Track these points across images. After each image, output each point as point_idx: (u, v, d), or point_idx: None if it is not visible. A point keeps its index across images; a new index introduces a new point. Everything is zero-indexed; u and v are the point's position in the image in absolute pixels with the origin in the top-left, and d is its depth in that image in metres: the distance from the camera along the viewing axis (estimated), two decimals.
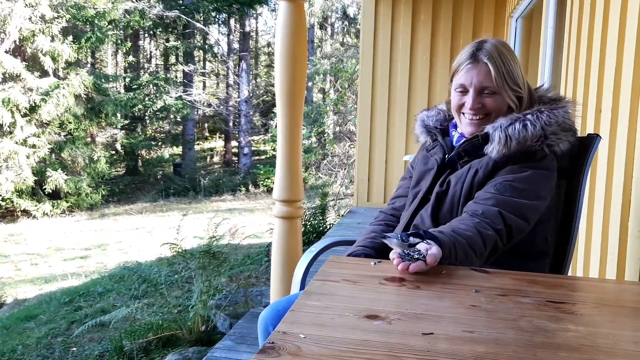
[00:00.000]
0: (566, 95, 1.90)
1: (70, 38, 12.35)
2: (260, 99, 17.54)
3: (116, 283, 5.71)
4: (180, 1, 16.10)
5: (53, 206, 11.83)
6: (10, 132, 11.34)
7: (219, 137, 20.58)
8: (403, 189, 1.55)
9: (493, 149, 1.29)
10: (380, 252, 1.36)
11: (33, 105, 11.47)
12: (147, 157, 17.30)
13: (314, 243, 1.68)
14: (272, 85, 16.15)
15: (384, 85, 5.45)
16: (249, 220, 8.95)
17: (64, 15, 12.21)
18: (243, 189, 13.80)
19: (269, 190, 12.30)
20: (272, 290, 2.51)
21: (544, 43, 3.32)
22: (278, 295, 2.43)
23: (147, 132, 17.50)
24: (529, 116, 1.29)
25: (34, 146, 11.54)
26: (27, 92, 11.51)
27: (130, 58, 17.45)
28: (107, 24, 13.62)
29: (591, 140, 1.43)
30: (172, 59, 19.61)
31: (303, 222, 5.54)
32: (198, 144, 19.39)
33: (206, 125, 21.00)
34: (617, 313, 0.91)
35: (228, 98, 17.35)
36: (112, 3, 13.46)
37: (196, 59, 19.04)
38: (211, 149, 20.36)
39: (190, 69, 16.45)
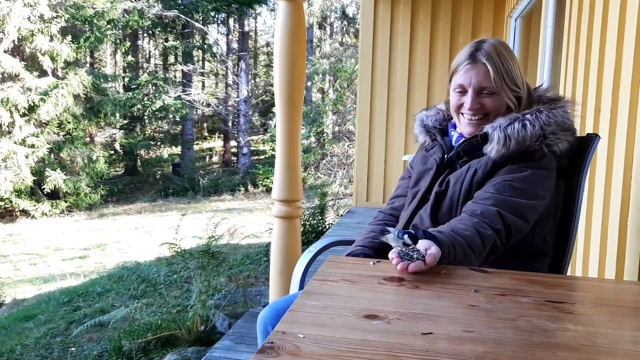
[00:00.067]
0: (565, 95, 1.90)
1: (69, 38, 12.34)
2: (259, 98, 17.55)
3: (115, 283, 5.71)
4: (179, 1, 16.10)
5: (52, 206, 11.82)
6: (9, 132, 11.33)
7: (218, 137, 20.58)
8: (402, 189, 1.55)
9: (492, 149, 1.29)
10: (379, 252, 1.36)
11: (32, 105, 11.46)
12: (146, 157, 17.30)
13: (313, 243, 1.68)
14: (271, 85, 16.13)
15: (383, 85, 5.45)
16: (248, 220, 8.94)
17: (63, 15, 12.20)
18: (242, 188, 13.80)
19: (268, 190, 12.30)
20: (271, 290, 2.51)
21: (543, 43, 3.32)
22: (277, 295, 2.43)
23: (146, 132, 17.49)
24: (528, 116, 1.29)
25: (32, 146, 11.53)
26: (26, 92, 11.50)
27: (129, 58, 17.44)
28: (106, 23, 13.61)
29: (590, 140, 1.43)
30: (171, 59, 19.60)
31: (302, 222, 5.53)
32: (197, 144, 19.38)
33: (205, 125, 20.99)
34: (616, 313, 0.91)
35: (227, 98, 17.35)
36: (111, 3, 13.46)
37: (195, 58, 19.03)
38: (210, 149, 20.35)
39: (189, 69, 16.44)
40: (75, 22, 12.87)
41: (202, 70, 19.25)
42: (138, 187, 15.21)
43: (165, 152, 17.92)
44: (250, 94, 16.60)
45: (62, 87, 11.78)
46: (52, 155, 12.29)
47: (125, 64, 18.03)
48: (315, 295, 0.93)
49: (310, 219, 5.85)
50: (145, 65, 20.16)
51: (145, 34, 19.35)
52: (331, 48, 16.01)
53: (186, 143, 17.15)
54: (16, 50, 11.87)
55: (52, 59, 12.02)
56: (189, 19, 15.56)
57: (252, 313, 3.25)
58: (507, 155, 1.29)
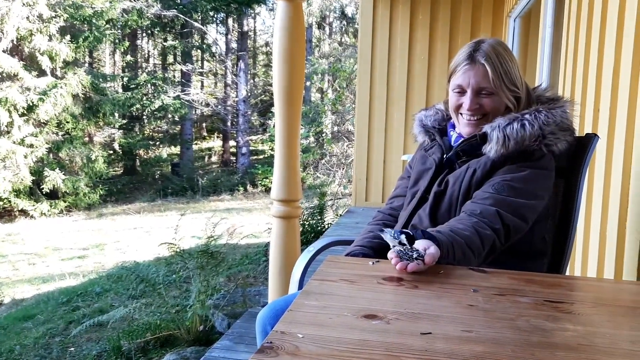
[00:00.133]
0: (564, 95, 1.90)
1: (68, 37, 12.33)
2: (259, 98, 17.55)
3: (114, 283, 5.70)
4: (178, 0, 16.09)
5: (51, 206, 11.81)
6: (8, 132, 11.31)
7: (217, 137, 20.57)
8: (401, 189, 1.55)
9: (491, 149, 1.29)
10: (378, 251, 1.36)
11: (31, 104, 11.45)
12: (145, 156, 17.29)
13: (312, 243, 1.68)
14: (270, 85, 16.15)
15: (382, 84, 5.45)
16: (247, 220, 8.94)
17: (62, 15, 12.19)
18: (241, 188, 13.80)
19: (267, 190, 12.30)
20: (270, 290, 2.51)
21: (542, 43, 3.33)
22: (276, 295, 2.43)
23: (145, 132, 17.48)
24: (527, 116, 1.29)
25: (31, 146, 11.52)
26: (25, 92, 11.49)
27: (128, 57, 17.42)
28: (104, 23, 13.60)
29: (589, 139, 1.43)
30: (170, 59, 19.58)
31: (301, 222, 5.54)
32: (196, 144, 19.38)
33: (204, 125, 20.98)
34: (614, 312, 0.91)
35: (226, 98, 17.34)
36: (110, 2, 13.44)
37: (194, 58, 19.02)
38: (209, 149, 20.35)
39: (188, 69, 16.43)
40: (74, 22, 12.86)
41: (201, 70, 19.24)
42: (137, 187, 15.21)
43: (164, 152, 17.91)
44: (249, 94, 16.60)
45: (61, 87, 11.77)
46: (51, 155, 12.28)
47: (124, 64, 18.01)
48: (314, 295, 0.93)
49: (309, 218, 5.85)
50: (144, 65, 20.14)
51: (144, 34, 19.34)
52: (330, 48, 16.01)
53: (185, 143, 17.15)
54: (15, 50, 11.86)
55: (51, 58, 12.01)
56: (188, 19, 15.55)
57: (251, 313, 3.25)
58: (506, 155, 1.29)
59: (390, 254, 1.04)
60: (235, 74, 16.76)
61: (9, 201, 11.32)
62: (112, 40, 15.25)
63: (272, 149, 14.61)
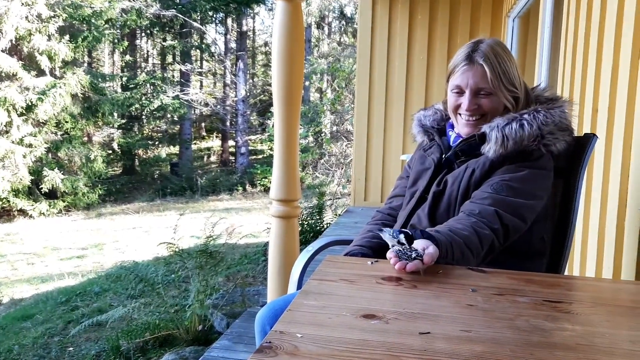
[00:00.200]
0: (563, 95, 1.90)
1: (67, 37, 12.31)
2: (258, 98, 17.55)
3: (113, 283, 5.70)
4: (177, 0, 16.07)
5: (50, 206, 11.79)
6: (7, 132, 11.30)
7: (216, 137, 20.56)
8: (400, 189, 1.55)
9: (490, 149, 1.29)
10: (377, 251, 1.36)
11: (29, 104, 11.43)
12: (144, 156, 17.28)
13: (311, 242, 1.68)
14: (269, 85, 16.16)
15: (381, 84, 5.45)
16: (246, 220, 8.94)
17: (61, 15, 12.17)
18: (240, 188, 13.79)
19: (266, 190, 12.30)
20: (269, 289, 2.51)
21: (540, 43, 3.33)
22: (275, 295, 2.43)
23: (144, 132, 17.47)
24: (525, 116, 1.29)
25: (30, 145, 11.51)
26: (24, 92, 11.47)
27: (127, 57, 17.41)
28: (104, 23, 13.58)
29: (588, 140, 1.43)
30: (169, 58, 19.57)
31: (300, 222, 5.54)
32: (195, 144, 19.36)
33: (203, 124, 20.97)
34: (613, 312, 0.91)
35: (225, 97, 17.33)
36: (109, 2, 13.43)
37: (193, 58, 19.00)
38: (208, 149, 20.34)
39: (187, 69, 16.42)
40: (73, 22, 12.84)
41: (200, 70, 19.23)
42: (136, 186, 15.19)
43: (163, 151, 17.90)
44: (248, 94, 16.59)
45: (60, 87, 11.76)
46: (50, 155, 12.26)
47: (123, 64, 18.00)
48: (313, 294, 0.93)
49: (308, 218, 5.85)
50: (143, 64, 20.11)
51: (143, 34, 19.32)
52: (329, 48, 16.01)
53: (184, 143, 17.14)
54: (14, 50, 11.84)
55: (50, 58, 11.99)
56: (187, 19, 15.54)
57: (250, 313, 3.25)
58: (504, 155, 1.29)
59: (389, 254, 1.04)
60: (234, 74, 16.75)
61: (8, 201, 11.30)
62: (111, 40, 15.24)
63: (271, 149, 14.61)
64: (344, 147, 10.95)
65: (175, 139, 17.79)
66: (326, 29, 17.77)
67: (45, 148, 11.81)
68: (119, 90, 15.60)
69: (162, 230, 8.24)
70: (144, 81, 15.51)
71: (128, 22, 14.98)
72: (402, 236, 1.05)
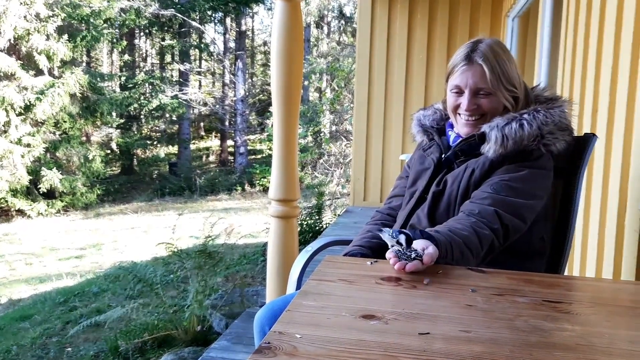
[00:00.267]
0: (562, 95, 1.90)
1: (65, 37, 12.30)
2: (257, 98, 17.54)
3: (111, 283, 5.69)
4: (176, 0, 16.06)
5: (48, 205, 11.78)
6: (5, 131, 11.28)
7: (215, 137, 20.55)
8: (399, 189, 1.55)
9: (490, 149, 1.29)
10: (376, 251, 1.36)
11: (28, 104, 11.41)
12: (143, 156, 17.26)
13: (310, 243, 1.67)
14: (268, 84, 16.15)
15: (380, 84, 5.45)
16: (245, 220, 8.94)
17: (59, 14, 12.15)
18: (239, 188, 13.78)
19: (265, 190, 12.29)
20: (268, 290, 2.50)
21: (540, 42, 3.33)
22: (274, 295, 2.42)
23: (143, 131, 17.45)
24: (525, 115, 1.29)
25: (28, 145, 11.49)
26: (22, 91, 11.46)
27: (126, 57, 17.39)
28: (102, 22, 13.56)
29: (587, 139, 1.43)
30: (168, 58, 19.55)
31: (299, 222, 5.53)
32: (194, 143, 19.35)
33: (202, 124, 20.96)
34: (613, 312, 0.91)
35: (224, 97, 17.32)
36: (108, 2, 13.41)
37: (192, 57, 19.00)
38: (207, 148, 20.33)
39: (186, 68, 16.41)
40: (72, 21, 12.82)
41: (199, 70, 19.22)
42: (134, 186, 15.18)
43: (162, 151, 17.88)
44: (247, 93, 16.58)
45: (59, 86, 11.74)
46: (48, 155, 12.25)
47: (122, 63, 17.99)
48: (312, 295, 0.92)
49: (308, 218, 5.85)
50: (141, 64, 20.11)
51: (142, 33, 19.31)
52: (328, 47, 16.00)
53: (183, 142, 17.13)
54: (12, 49, 11.82)
55: (49, 58, 11.98)
56: (185, 18, 15.53)
57: (249, 313, 3.24)
58: (504, 155, 1.29)
59: (388, 254, 1.04)
60: (233, 74, 16.75)
61: (6, 201, 11.28)
62: (110, 40, 15.22)
63: (270, 149, 14.61)
64: (343, 146, 10.96)
65: (174, 138, 17.78)
66: (325, 28, 17.77)
67: (43, 148, 11.80)
68: (118, 89, 15.58)
69: (161, 230, 8.24)
70: (142, 81, 15.50)
71: (127, 22, 14.97)
72: (402, 236, 1.04)
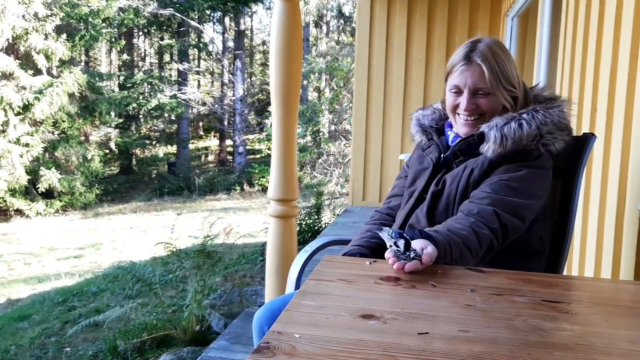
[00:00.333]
0: (562, 95, 1.90)
1: (64, 36, 12.27)
2: (255, 97, 17.52)
3: (110, 283, 5.69)
4: None
5: (46, 205, 11.76)
6: (4, 131, 11.26)
7: (214, 136, 20.54)
8: (398, 188, 1.54)
9: (489, 149, 1.29)
10: (375, 251, 1.36)
11: (26, 103, 11.39)
12: (142, 156, 17.25)
13: (309, 242, 1.67)
14: (267, 84, 16.13)
15: (379, 84, 5.45)
16: (244, 220, 8.93)
17: (58, 13, 12.13)
18: (238, 188, 13.78)
19: (264, 190, 12.29)
20: (267, 289, 2.50)
21: (539, 42, 3.33)
22: (273, 295, 2.42)
23: (142, 131, 17.44)
24: (524, 115, 1.29)
25: (27, 145, 11.47)
26: (21, 91, 11.44)
27: (125, 56, 17.37)
28: (101, 22, 13.55)
29: (586, 139, 1.43)
30: (167, 58, 19.54)
31: (298, 222, 5.53)
32: (192, 143, 19.34)
33: (201, 124, 20.95)
34: (612, 312, 0.91)
35: (223, 97, 17.31)
36: (106, 1, 13.40)
37: (191, 57, 18.98)
38: (206, 148, 20.31)
39: (185, 68, 16.39)
40: (70, 21, 12.80)
41: (197, 69, 19.20)
42: (133, 186, 15.17)
43: (161, 151, 17.87)
44: (246, 93, 16.58)
45: (57, 86, 11.72)
46: (47, 154, 12.23)
47: (121, 63, 17.96)
48: (311, 295, 0.92)
49: (307, 218, 5.85)
50: (140, 63, 20.10)
51: (140, 33, 19.29)
52: (327, 47, 15.99)
53: (182, 142, 17.12)
54: (10, 49, 11.80)
55: (47, 57, 11.96)
56: (184, 18, 15.52)
57: (248, 313, 3.24)
58: (503, 155, 1.29)
59: (387, 254, 1.04)
60: (232, 73, 16.74)
61: (5, 200, 11.27)
62: (109, 39, 15.20)
63: (269, 148, 14.61)
64: (342, 146, 10.95)
65: (173, 138, 17.77)
66: (324, 27, 17.76)
67: (42, 147, 11.78)
68: (116, 89, 15.56)
69: (160, 230, 8.23)
70: (141, 80, 15.48)
71: (125, 21, 14.96)
72: (401, 241, 1.04)
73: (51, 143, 12.14)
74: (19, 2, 11.36)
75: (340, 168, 10.67)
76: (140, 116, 16.76)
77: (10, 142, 11.19)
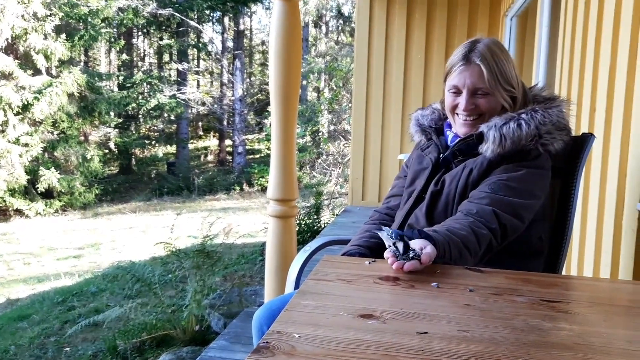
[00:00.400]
0: (560, 94, 1.90)
1: (63, 36, 12.26)
2: (255, 97, 17.51)
3: (110, 283, 5.68)
4: None
5: (46, 205, 11.76)
6: (3, 131, 11.25)
7: (213, 136, 20.53)
8: (398, 188, 1.55)
9: (488, 149, 1.29)
10: (374, 251, 1.36)
11: (26, 103, 11.39)
12: (141, 155, 17.24)
13: (308, 242, 1.67)
14: (267, 84, 16.13)
15: (378, 84, 5.45)
16: (243, 220, 8.93)
17: (57, 13, 12.12)
18: (237, 188, 13.78)
19: (263, 189, 12.28)
20: (267, 289, 2.50)
21: (538, 42, 3.33)
22: (272, 295, 2.42)
23: (141, 131, 17.43)
24: (523, 115, 1.29)
25: (26, 145, 11.47)
26: (20, 91, 11.43)
27: (124, 56, 17.37)
28: (100, 22, 13.54)
29: (585, 139, 1.43)
30: (166, 57, 19.53)
31: (297, 221, 5.53)
32: (192, 143, 19.33)
33: (200, 124, 20.94)
34: (611, 312, 0.91)
35: (222, 97, 17.31)
36: (106, 1, 13.39)
37: (190, 57, 18.97)
38: (205, 148, 20.30)
39: (184, 68, 16.39)
40: (70, 20, 12.79)
41: (197, 69, 19.19)
42: (133, 186, 15.16)
43: (160, 151, 17.86)
44: (245, 93, 16.57)
45: (56, 86, 11.71)
46: (46, 154, 12.22)
47: (120, 63, 17.96)
48: (311, 294, 0.92)
49: (306, 218, 5.85)
50: (139, 63, 20.08)
51: (139, 33, 19.28)
52: (327, 47, 15.99)
53: (181, 142, 17.11)
54: (10, 49, 11.79)
55: (46, 57, 11.95)
56: (183, 18, 15.51)
57: (248, 313, 3.24)
58: (502, 155, 1.29)
59: (386, 254, 1.04)
60: (231, 73, 16.73)
61: (4, 200, 11.26)
62: (108, 39, 15.18)
63: (268, 148, 14.60)
64: (342, 146, 10.95)
65: (172, 138, 17.76)
66: (324, 28, 17.76)
67: (41, 147, 11.77)
68: (116, 89, 15.56)
69: (159, 230, 8.23)
70: (140, 80, 15.47)
71: (125, 21, 14.95)
72: (400, 244, 1.04)
73: (50, 143, 12.13)
74: (18, 2, 11.35)
75: (340, 168, 10.66)
76: (140, 116, 16.76)
77: (9, 142, 11.18)
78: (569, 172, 1.44)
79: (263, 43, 21.29)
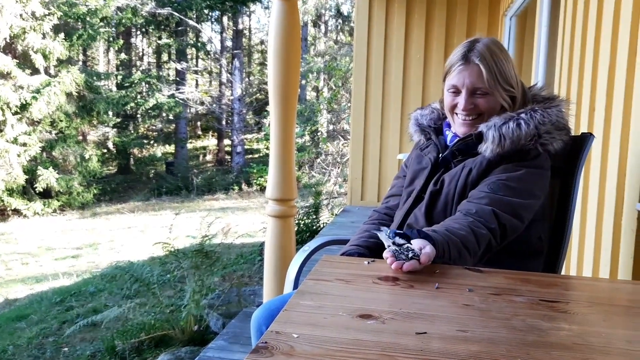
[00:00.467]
0: (560, 94, 1.90)
1: (61, 35, 12.26)
2: (254, 97, 17.50)
3: (108, 282, 5.68)
4: None
5: (44, 205, 11.74)
6: (1, 131, 11.24)
7: (212, 136, 20.52)
8: (397, 188, 1.54)
9: (487, 148, 1.29)
10: (373, 251, 1.35)
11: (24, 103, 11.37)
12: (139, 155, 17.23)
13: (307, 242, 1.67)
14: (266, 84, 16.12)
15: (377, 83, 5.45)
16: (242, 219, 8.93)
17: (55, 13, 12.11)
18: (236, 187, 13.77)
19: (262, 189, 12.28)
20: (265, 289, 2.50)
21: (537, 42, 3.33)
22: (271, 295, 2.42)
23: (140, 131, 17.42)
24: (522, 115, 1.29)
25: (24, 144, 11.45)
26: (18, 90, 11.42)
27: (122, 56, 17.36)
28: (99, 21, 13.53)
29: (585, 139, 1.43)
30: (165, 57, 19.51)
31: (296, 221, 5.53)
32: (190, 143, 19.33)
33: (199, 123, 20.93)
34: (610, 312, 0.91)
35: (221, 96, 17.30)
36: (104, 0, 13.37)
37: (189, 56, 18.97)
38: (204, 148, 20.30)
39: (183, 67, 16.38)
40: (68, 20, 12.78)
41: (195, 69, 19.19)
42: (131, 186, 15.15)
43: (159, 150, 17.85)
44: (244, 93, 16.56)
45: (55, 85, 11.70)
46: (45, 154, 12.20)
47: (119, 62, 17.95)
48: (310, 294, 0.92)
49: (305, 218, 5.85)
50: (138, 63, 20.07)
51: (138, 32, 19.27)
52: (326, 46, 16.00)
53: (180, 142, 17.10)
54: (8, 48, 11.78)
55: (45, 56, 11.93)
56: (182, 17, 15.50)
57: (246, 313, 3.24)
58: (501, 155, 1.29)
59: (385, 254, 1.04)
60: (230, 73, 16.72)
61: (2, 200, 11.24)
62: (106, 39, 15.18)
63: (267, 148, 14.59)
64: (341, 146, 10.95)
65: (171, 137, 17.75)
66: (323, 27, 17.75)
67: (39, 147, 11.76)
68: (114, 88, 15.55)
69: (158, 230, 8.23)
70: (139, 80, 15.46)
71: (123, 20, 14.94)
72: (397, 238, 1.04)
73: (49, 142, 12.12)
74: (17, 1, 11.33)
75: (339, 168, 10.66)
76: (138, 116, 16.75)
77: (7, 141, 11.17)
78: (568, 171, 1.43)
79: (262, 42, 21.28)
